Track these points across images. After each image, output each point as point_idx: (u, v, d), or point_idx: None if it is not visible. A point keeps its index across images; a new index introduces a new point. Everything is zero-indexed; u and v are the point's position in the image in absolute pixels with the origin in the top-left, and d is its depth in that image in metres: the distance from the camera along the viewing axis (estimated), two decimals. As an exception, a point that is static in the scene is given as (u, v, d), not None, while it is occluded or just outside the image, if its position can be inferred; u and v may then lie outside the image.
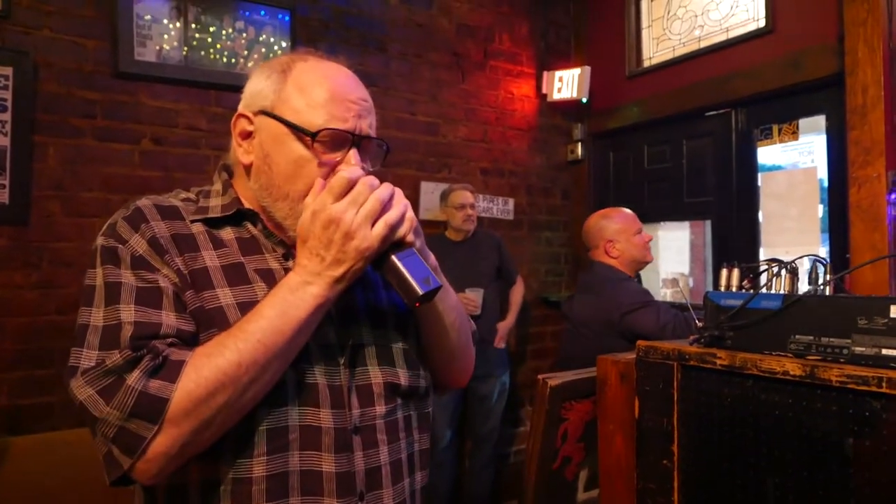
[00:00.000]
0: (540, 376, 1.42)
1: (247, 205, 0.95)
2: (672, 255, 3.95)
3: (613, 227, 2.49)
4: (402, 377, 0.97)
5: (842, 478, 0.88)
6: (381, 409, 0.93)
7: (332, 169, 0.89)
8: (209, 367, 0.77)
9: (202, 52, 2.87)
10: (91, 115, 2.63)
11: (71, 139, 2.59)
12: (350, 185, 0.83)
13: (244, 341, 0.78)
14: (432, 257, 0.95)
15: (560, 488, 1.47)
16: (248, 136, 0.94)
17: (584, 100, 3.97)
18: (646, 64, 3.80)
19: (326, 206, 0.82)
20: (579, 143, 4.11)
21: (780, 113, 3.13)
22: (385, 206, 0.84)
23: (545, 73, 4.07)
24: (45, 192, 2.54)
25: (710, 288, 1.16)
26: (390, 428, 0.94)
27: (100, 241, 0.87)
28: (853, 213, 2.51)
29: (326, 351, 0.90)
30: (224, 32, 2.92)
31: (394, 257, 0.85)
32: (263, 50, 3.01)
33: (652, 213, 3.81)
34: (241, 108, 0.95)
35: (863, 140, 2.48)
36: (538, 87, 4.07)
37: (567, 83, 3.98)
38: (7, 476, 2.25)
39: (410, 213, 0.88)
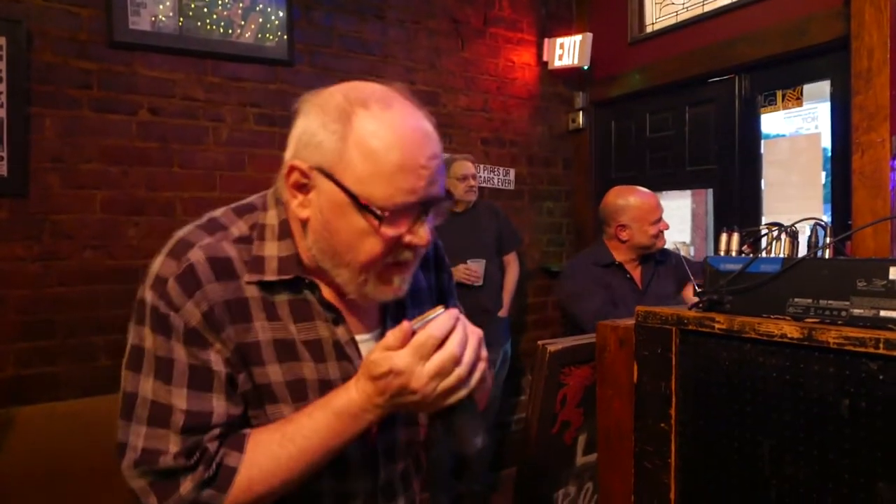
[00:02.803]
0: (540, 342, 1.42)
1: (305, 261, 0.89)
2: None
3: (630, 213, 2.45)
4: (422, 433, 1.02)
5: (837, 438, 0.89)
6: (401, 465, 0.98)
7: (396, 241, 0.83)
8: (258, 482, 0.81)
9: (198, 23, 2.82)
10: (87, 86, 2.61)
11: (67, 110, 2.57)
12: (438, 345, 0.79)
13: (295, 459, 0.81)
14: (484, 384, 0.92)
15: (559, 452, 1.49)
16: (303, 188, 0.84)
17: (586, 67, 3.92)
18: (648, 30, 3.74)
19: (407, 371, 0.77)
20: (581, 112, 4.07)
21: (784, 78, 3.09)
22: (464, 380, 0.81)
23: (546, 41, 4.00)
24: (43, 164, 2.52)
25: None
26: (404, 476, 1.00)
27: (148, 297, 0.82)
28: (856, 179, 2.49)
29: None
30: (220, 1, 2.87)
31: (455, 416, 0.82)
32: (261, 20, 2.97)
33: (654, 181, 3.78)
34: (292, 157, 0.84)
35: (867, 105, 2.45)
36: (539, 54, 4.02)
37: (568, 50, 3.92)
38: (12, 445, 2.28)
39: (484, 375, 0.84)
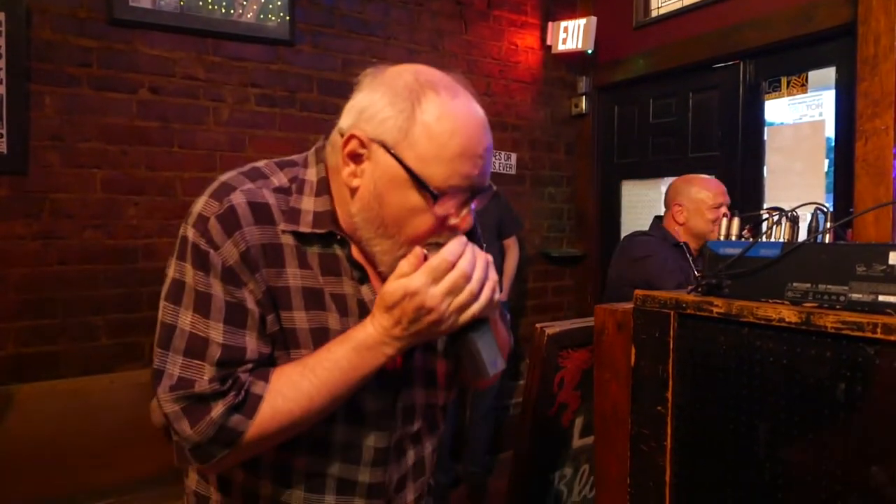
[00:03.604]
0: (538, 325, 1.42)
1: (341, 221, 0.92)
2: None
3: (691, 195, 2.37)
4: (441, 397, 1.04)
5: (832, 423, 0.89)
6: (417, 425, 1.00)
7: (443, 221, 0.87)
8: (282, 411, 0.84)
9: (199, 2, 2.80)
10: (87, 64, 2.59)
11: (67, 88, 2.56)
12: (451, 268, 0.83)
13: (315, 388, 0.85)
14: (496, 312, 0.98)
15: (556, 434, 1.50)
16: (357, 158, 0.87)
17: (590, 51, 3.88)
18: (653, 14, 3.71)
19: (422, 291, 0.82)
20: (584, 97, 4.05)
21: (789, 65, 3.06)
22: (476, 296, 0.85)
23: (550, 24, 3.97)
24: (42, 142, 2.52)
25: (710, 239, 1.15)
26: (416, 436, 1.01)
27: (190, 234, 0.86)
28: (859, 167, 2.48)
29: (380, 377, 0.91)
30: (221, -21, 2.85)
31: (471, 336, 0.86)
32: (263, 0, 2.95)
33: (656, 167, 3.77)
34: (352, 127, 0.86)
35: (872, 91, 2.44)
36: (543, 38, 3.98)
37: (572, 34, 3.89)
38: (12, 423, 2.30)
39: (495, 296, 0.88)
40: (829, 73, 2.89)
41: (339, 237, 0.91)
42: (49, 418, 2.36)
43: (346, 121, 0.89)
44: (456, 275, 0.83)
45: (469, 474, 3.38)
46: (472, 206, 0.90)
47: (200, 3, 2.80)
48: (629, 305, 1.22)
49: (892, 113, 2.37)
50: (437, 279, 0.82)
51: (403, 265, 0.84)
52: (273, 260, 0.88)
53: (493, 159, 3.72)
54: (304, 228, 0.89)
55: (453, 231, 0.88)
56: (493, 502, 3.30)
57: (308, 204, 0.91)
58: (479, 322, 0.86)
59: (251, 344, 0.86)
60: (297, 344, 0.89)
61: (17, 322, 2.47)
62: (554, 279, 4.11)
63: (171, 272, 0.87)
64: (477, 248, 0.87)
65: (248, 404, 0.83)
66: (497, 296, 0.89)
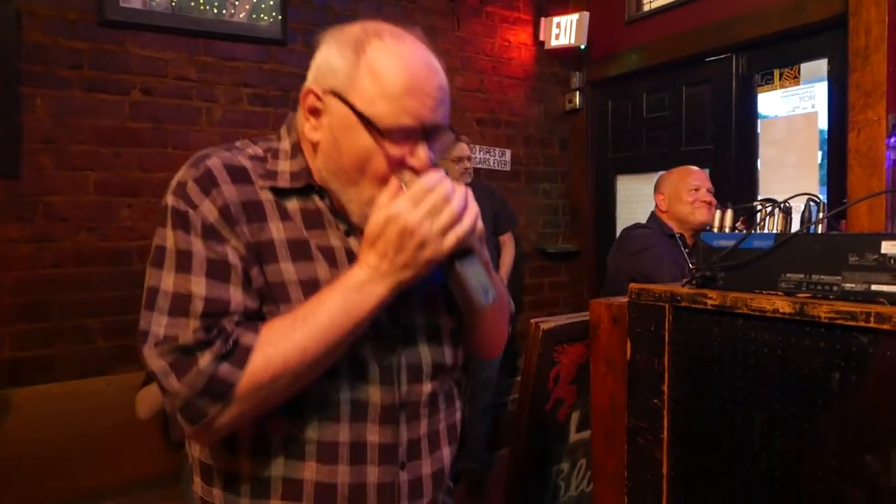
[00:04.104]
0: (533, 320, 1.43)
1: (316, 177, 0.93)
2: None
3: (671, 181, 2.45)
4: (449, 356, 1.01)
5: (827, 412, 0.90)
6: (427, 387, 0.98)
7: (398, 162, 0.87)
8: (274, 358, 0.82)
9: (191, 2, 2.79)
10: (78, 66, 2.58)
11: (58, 90, 2.55)
12: (430, 193, 0.84)
13: (308, 337, 0.83)
14: (486, 252, 0.98)
15: (552, 429, 1.50)
16: (316, 112, 0.90)
17: (583, 46, 3.88)
18: (645, 8, 3.71)
19: (402, 214, 0.82)
20: (577, 92, 4.05)
21: (781, 57, 3.07)
22: (457, 218, 0.86)
23: (542, 20, 3.97)
24: (34, 145, 2.50)
25: (704, 232, 1.15)
26: (431, 401, 0.99)
27: (170, 200, 0.87)
28: (852, 158, 2.49)
29: (380, 331, 0.91)
30: (212, -21, 2.84)
31: (458, 265, 0.87)
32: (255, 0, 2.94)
33: (650, 161, 3.77)
34: (310, 83, 0.91)
35: (864, 83, 2.44)
36: (535, 33, 3.98)
37: (565, 29, 3.89)
38: (8, 427, 2.29)
39: (480, 224, 0.89)
40: (822, 65, 2.90)
41: (317, 188, 0.93)
42: (46, 422, 2.35)
43: (308, 80, 0.92)
44: (436, 197, 0.83)
45: (468, 471, 3.38)
46: (432, 153, 0.90)
47: (192, 4, 2.79)
48: (624, 299, 1.22)
49: (883, 104, 2.38)
50: (416, 203, 0.83)
51: (381, 197, 0.85)
52: (254, 215, 0.88)
53: (488, 156, 3.77)
54: (283, 184, 0.91)
55: (414, 172, 0.89)
56: (492, 499, 3.30)
57: (284, 166, 0.94)
58: (465, 252, 0.87)
59: (236, 297, 0.85)
60: (288, 298, 0.88)
61: (12, 326, 2.46)
62: (550, 275, 4.11)
63: (154, 241, 0.88)
64: (456, 183, 0.88)
65: (237, 354, 0.82)
66: (480, 225, 0.89)
